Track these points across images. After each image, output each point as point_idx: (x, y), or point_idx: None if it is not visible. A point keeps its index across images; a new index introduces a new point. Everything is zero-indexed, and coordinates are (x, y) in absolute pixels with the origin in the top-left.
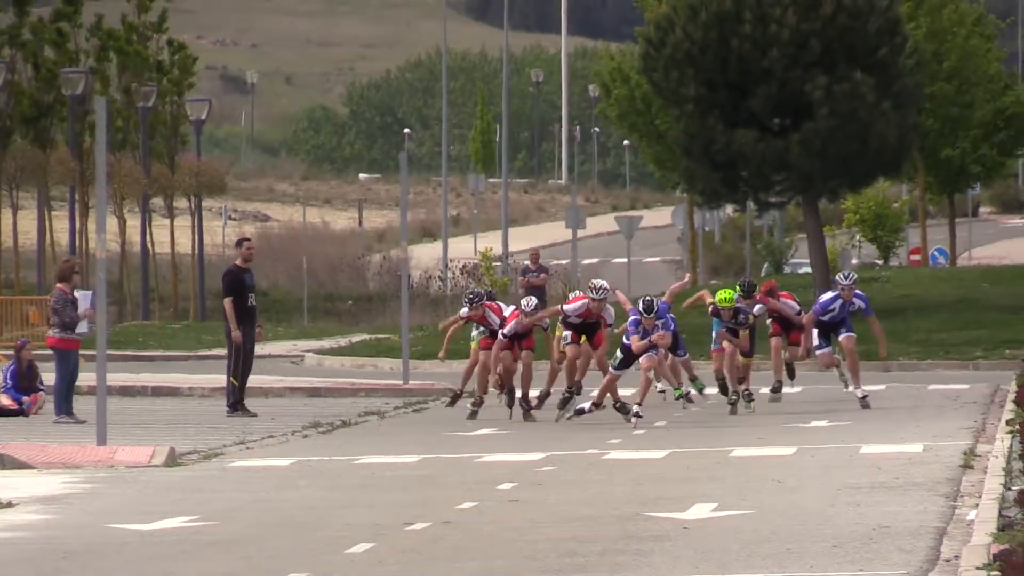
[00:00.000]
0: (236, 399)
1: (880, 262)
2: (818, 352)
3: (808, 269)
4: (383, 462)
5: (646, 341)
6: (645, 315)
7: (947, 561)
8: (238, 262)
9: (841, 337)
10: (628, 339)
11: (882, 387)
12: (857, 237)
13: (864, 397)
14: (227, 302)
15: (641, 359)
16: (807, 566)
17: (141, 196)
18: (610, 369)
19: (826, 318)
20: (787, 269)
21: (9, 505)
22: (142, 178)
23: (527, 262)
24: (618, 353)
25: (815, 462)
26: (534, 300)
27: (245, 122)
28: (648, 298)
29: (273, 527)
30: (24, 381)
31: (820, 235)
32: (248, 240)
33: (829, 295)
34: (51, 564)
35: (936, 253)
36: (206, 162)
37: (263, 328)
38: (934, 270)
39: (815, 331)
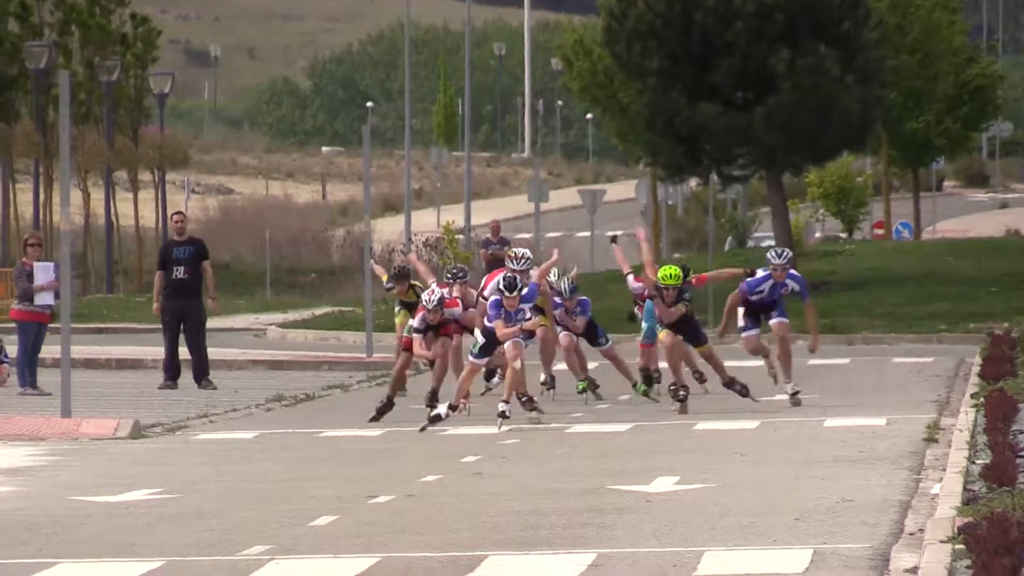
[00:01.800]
0: (173, 375)
1: (844, 236)
2: (744, 335)
3: (772, 243)
4: (346, 435)
5: (515, 327)
6: (507, 294)
7: (911, 535)
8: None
9: (772, 321)
10: (491, 322)
11: (846, 360)
12: (821, 211)
13: (795, 394)
14: (157, 275)
15: (506, 346)
16: (770, 539)
17: (105, 169)
18: (469, 358)
19: (754, 299)
20: (750, 243)
21: None
22: (106, 151)
23: (488, 235)
24: (479, 338)
25: (779, 436)
26: (437, 293)
27: (208, 95)
28: (510, 275)
29: (236, 500)
30: None
31: (784, 209)
32: (178, 213)
33: (761, 274)
34: (14, 536)
35: (900, 227)
36: (169, 135)
37: (216, 300)
38: (898, 244)
39: (740, 310)
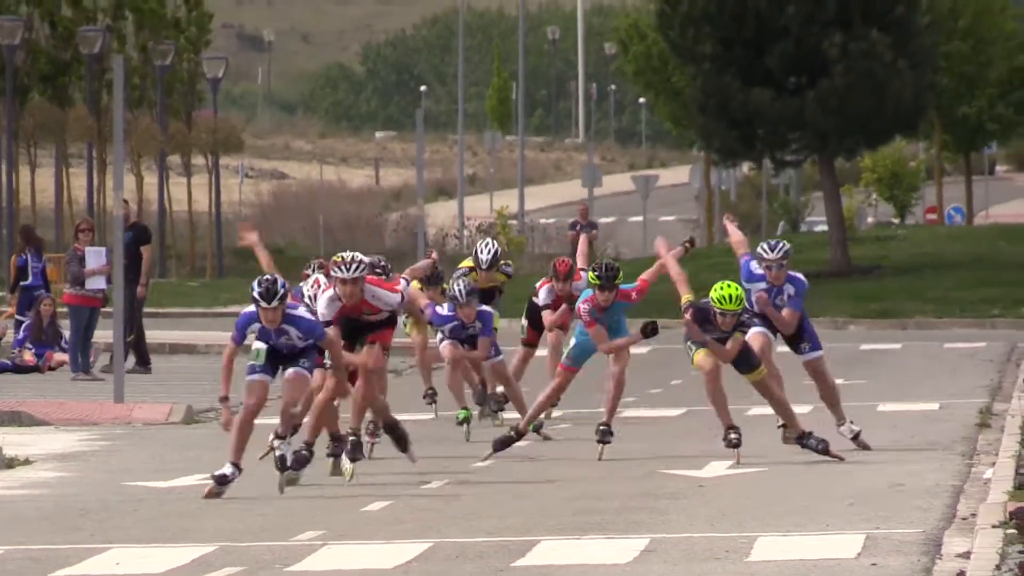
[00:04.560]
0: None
1: (896, 221)
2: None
3: (824, 227)
4: (400, 419)
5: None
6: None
7: (964, 519)
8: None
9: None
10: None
11: (898, 345)
12: (873, 196)
13: (801, 435)
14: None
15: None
16: (823, 524)
17: (158, 154)
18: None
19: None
20: (803, 227)
21: (27, 462)
22: (159, 136)
23: (576, 217)
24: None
25: (831, 420)
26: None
27: (262, 80)
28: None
29: (276, 489)
30: (41, 336)
31: (836, 194)
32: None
33: (756, 270)
34: (68, 521)
35: (952, 212)
36: (223, 120)
37: (146, 287)
38: (950, 228)
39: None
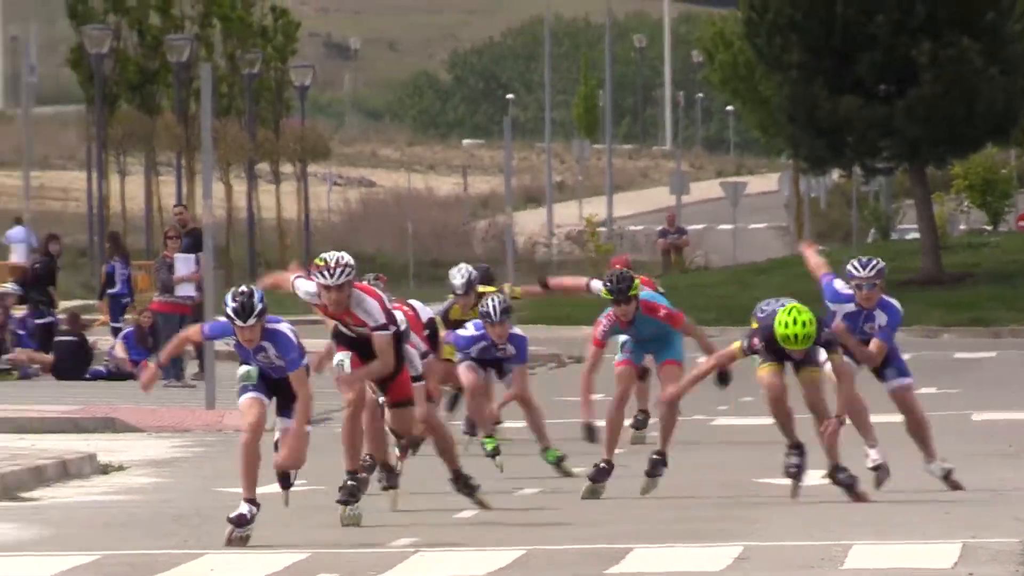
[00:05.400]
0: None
1: (989, 228)
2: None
3: (916, 235)
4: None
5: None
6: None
7: None
8: None
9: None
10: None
11: (993, 354)
12: (965, 203)
13: (877, 467)
14: None
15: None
16: (920, 533)
17: (247, 161)
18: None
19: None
20: (894, 235)
21: (120, 468)
22: (247, 144)
23: (664, 225)
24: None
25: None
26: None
27: (348, 88)
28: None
29: (381, 492)
30: (145, 343)
31: (928, 201)
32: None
33: (842, 289)
34: (163, 527)
35: None
36: (310, 127)
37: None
38: None
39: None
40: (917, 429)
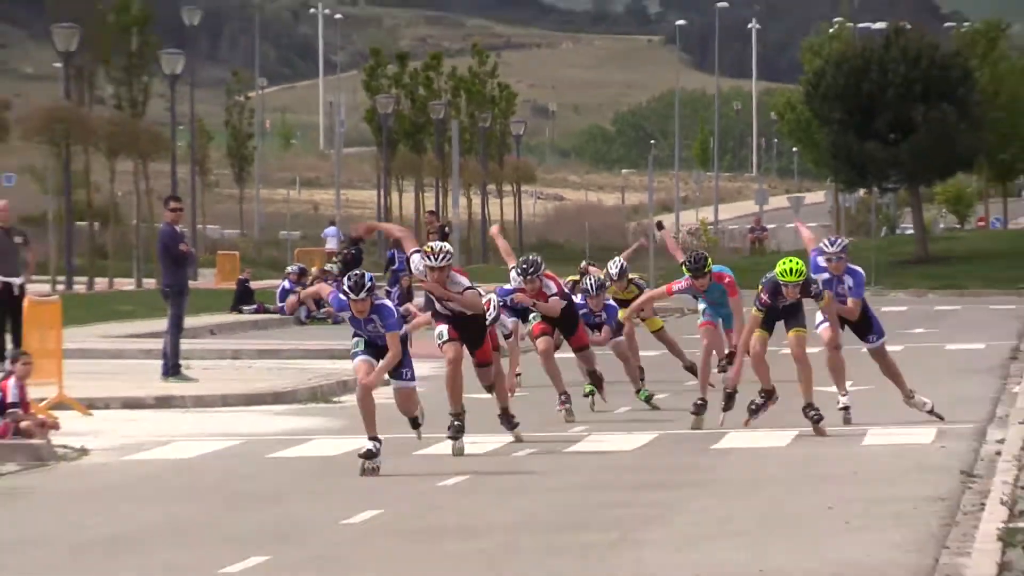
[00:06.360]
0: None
1: (958, 226)
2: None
3: (911, 230)
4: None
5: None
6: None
7: (1000, 418)
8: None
9: (820, 328)
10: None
11: (959, 307)
12: (943, 210)
13: (846, 408)
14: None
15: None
16: (913, 424)
17: (481, 184)
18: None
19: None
20: (898, 231)
21: None
22: (481, 172)
23: (751, 224)
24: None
25: (911, 358)
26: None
27: (547, 136)
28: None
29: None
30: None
31: (919, 209)
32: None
33: (821, 263)
34: (429, 422)
35: (995, 220)
36: (523, 161)
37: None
38: (994, 232)
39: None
40: (890, 374)
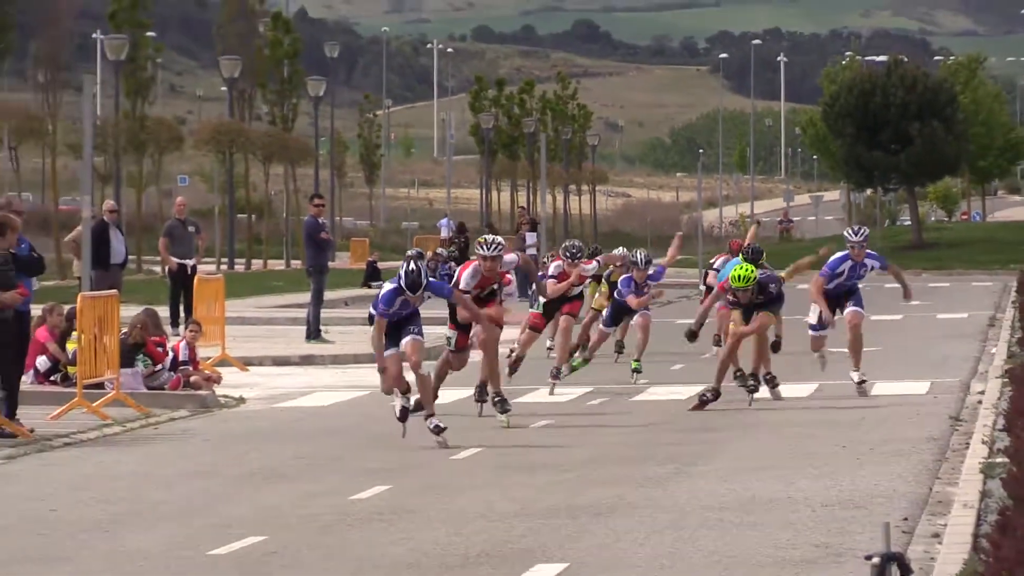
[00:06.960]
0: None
1: (946, 219)
2: (812, 333)
3: (908, 222)
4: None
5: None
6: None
7: (982, 373)
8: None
9: (847, 312)
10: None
11: (948, 284)
12: (934, 206)
13: (862, 382)
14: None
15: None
16: (908, 377)
17: (564, 184)
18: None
19: (831, 285)
20: (898, 223)
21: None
22: (563, 174)
23: (781, 217)
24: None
25: (904, 324)
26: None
27: (617, 146)
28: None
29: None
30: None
31: (915, 205)
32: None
33: (838, 255)
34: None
35: (975, 215)
36: (597, 167)
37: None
38: (974, 224)
39: (814, 307)
40: (854, 346)
